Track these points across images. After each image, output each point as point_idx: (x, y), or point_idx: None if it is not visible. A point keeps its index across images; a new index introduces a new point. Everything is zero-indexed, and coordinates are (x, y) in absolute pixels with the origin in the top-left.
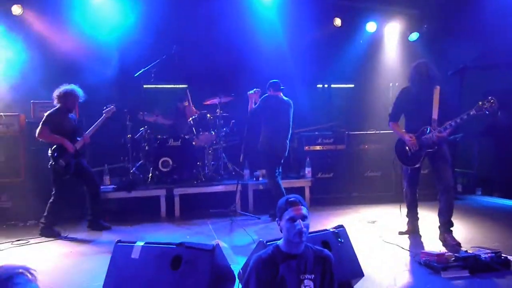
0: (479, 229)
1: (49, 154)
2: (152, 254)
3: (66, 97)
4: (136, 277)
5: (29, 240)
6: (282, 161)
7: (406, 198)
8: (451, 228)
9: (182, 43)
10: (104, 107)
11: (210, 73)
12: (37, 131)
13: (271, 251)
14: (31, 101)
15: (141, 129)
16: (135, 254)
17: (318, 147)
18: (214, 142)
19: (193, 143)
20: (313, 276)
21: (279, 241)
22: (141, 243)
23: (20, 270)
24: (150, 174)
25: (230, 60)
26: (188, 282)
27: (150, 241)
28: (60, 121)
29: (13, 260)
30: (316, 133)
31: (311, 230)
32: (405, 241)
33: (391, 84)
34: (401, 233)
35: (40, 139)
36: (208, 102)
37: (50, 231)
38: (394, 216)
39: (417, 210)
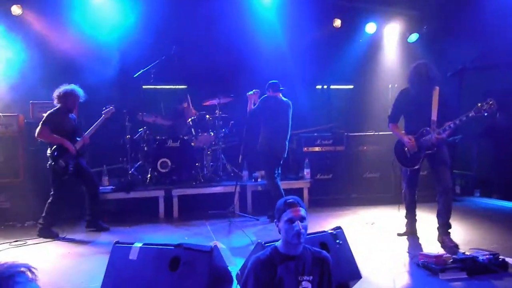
0: (477, 231)
1: (48, 154)
2: (150, 255)
3: (66, 97)
4: (134, 278)
5: (27, 241)
6: (281, 162)
7: (405, 200)
8: (450, 230)
9: (182, 44)
10: (104, 108)
11: (209, 74)
12: (37, 131)
13: (269, 252)
14: (30, 102)
15: (140, 130)
16: (133, 255)
17: (317, 148)
18: (213, 143)
19: (192, 144)
20: (311, 277)
21: (277, 243)
22: (139, 244)
23: (22, 269)
24: (149, 175)
25: (230, 60)
26: (186, 284)
27: (148, 242)
28: (60, 121)
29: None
30: (315, 134)
31: (309, 231)
32: (404, 242)
33: (390, 86)
34: (399, 234)
35: (40, 139)
36: (207, 103)
37: (48, 232)
38: (393, 217)
39: (415, 212)
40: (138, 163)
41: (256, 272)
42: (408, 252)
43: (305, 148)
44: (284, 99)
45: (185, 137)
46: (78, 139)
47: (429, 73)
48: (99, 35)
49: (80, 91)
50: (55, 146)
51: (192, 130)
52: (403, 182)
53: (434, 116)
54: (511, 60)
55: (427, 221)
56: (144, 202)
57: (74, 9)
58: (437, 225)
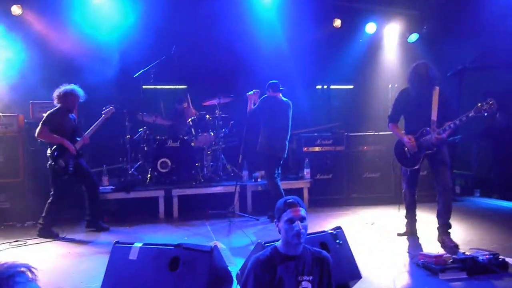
0: (477, 231)
1: (48, 154)
2: (150, 255)
3: (66, 97)
4: (134, 278)
5: (27, 241)
6: (281, 162)
7: (405, 199)
8: (449, 230)
9: (182, 44)
10: (104, 108)
11: (209, 74)
12: (37, 131)
13: (269, 252)
14: (30, 102)
15: (140, 130)
16: (133, 255)
17: (317, 148)
18: (213, 143)
19: (192, 144)
20: (311, 277)
21: (277, 243)
22: (139, 244)
23: (22, 269)
24: (149, 175)
25: (230, 61)
26: (186, 284)
27: (148, 242)
28: (60, 121)
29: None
30: (315, 134)
31: (309, 231)
32: (404, 242)
33: (390, 85)
34: (399, 234)
35: (40, 139)
36: (207, 103)
37: (48, 232)
38: (393, 217)
39: (415, 212)
40: (138, 163)
41: (256, 272)
42: (408, 252)
43: (305, 148)
44: (284, 99)
45: (185, 137)
46: (78, 139)
47: (429, 73)
48: (99, 35)
49: (80, 91)
50: (55, 146)
51: (192, 130)
52: (403, 182)
53: (434, 116)
54: (511, 60)
55: (427, 221)
56: (144, 202)
57: (74, 9)
58: (437, 225)
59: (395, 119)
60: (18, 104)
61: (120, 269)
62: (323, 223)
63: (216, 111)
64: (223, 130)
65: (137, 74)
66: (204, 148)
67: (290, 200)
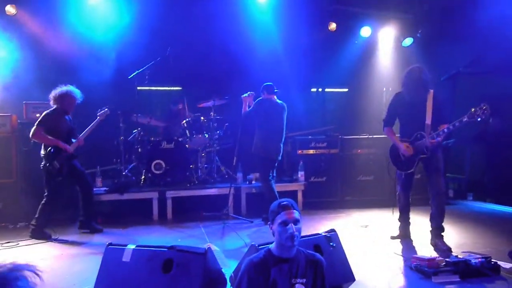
0: (470, 234)
1: (42, 155)
2: (143, 257)
3: (63, 98)
4: (127, 280)
5: (19, 242)
6: (276, 164)
7: (399, 202)
8: (443, 233)
9: (177, 45)
10: (99, 110)
11: (204, 76)
12: (31, 131)
13: (263, 255)
14: (24, 102)
15: (134, 131)
16: (126, 257)
17: (311, 151)
18: (208, 145)
19: (187, 145)
20: (304, 280)
21: (271, 245)
22: (132, 246)
23: (25, 272)
24: (143, 177)
25: (225, 62)
26: (179, 286)
27: (141, 244)
28: (56, 122)
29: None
30: (310, 137)
31: (303, 234)
32: (397, 245)
33: (384, 89)
34: (393, 237)
35: (34, 140)
36: (202, 105)
37: (40, 233)
38: (387, 220)
39: (409, 215)
40: (132, 165)
41: (249, 275)
42: (401, 255)
43: (300, 151)
44: (279, 101)
45: (180, 139)
46: (73, 140)
47: (422, 77)
48: (94, 36)
49: (77, 92)
50: (49, 147)
51: (187, 131)
52: (397, 185)
53: (428, 120)
54: (505, 65)
55: (420, 224)
56: (138, 203)
57: (69, 9)
58: (430, 229)
59: (390, 123)
60: (12, 104)
61: (113, 271)
62: (317, 226)
63: (211, 113)
64: (218, 132)
65: (131, 75)
66: (198, 150)
67: (284, 203)
